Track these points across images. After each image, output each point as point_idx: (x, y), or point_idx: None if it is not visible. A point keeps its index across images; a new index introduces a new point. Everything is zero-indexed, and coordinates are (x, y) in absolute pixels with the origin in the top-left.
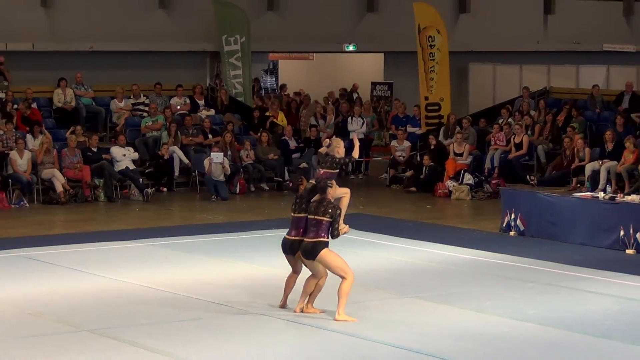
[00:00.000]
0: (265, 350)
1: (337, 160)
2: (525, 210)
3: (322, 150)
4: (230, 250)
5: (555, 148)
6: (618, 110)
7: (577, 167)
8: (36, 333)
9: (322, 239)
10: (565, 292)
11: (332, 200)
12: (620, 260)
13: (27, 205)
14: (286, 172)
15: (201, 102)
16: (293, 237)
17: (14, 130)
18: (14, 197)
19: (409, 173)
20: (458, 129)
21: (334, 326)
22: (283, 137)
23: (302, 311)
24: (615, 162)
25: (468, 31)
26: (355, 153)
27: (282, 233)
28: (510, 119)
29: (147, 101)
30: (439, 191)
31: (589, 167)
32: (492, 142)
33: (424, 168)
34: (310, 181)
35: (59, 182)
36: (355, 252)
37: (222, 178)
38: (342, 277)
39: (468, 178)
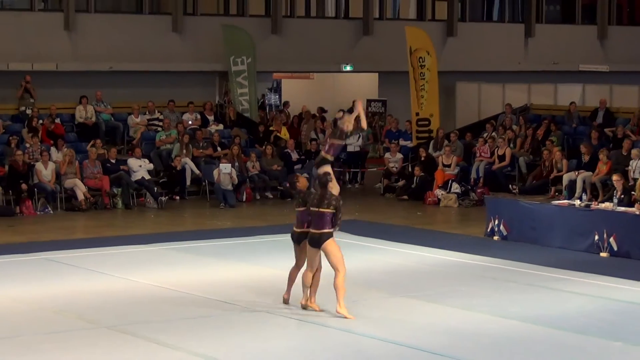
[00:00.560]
0: (269, 344)
1: (346, 132)
2: (508, 216)
3: (338, 115)
4: (237, 253)
5: (535, 160)
6: (593, 125)
7: (555, 177)
8: (58, 329)
9: (326, 230)
10: (545, 291)
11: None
12: (595, 263)
13: (51, 212)
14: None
15: (211, 118)
16: (300, 230)
17: (39, 143)
18: (39, 205)
19: (401, 183)
20: (446, 142)
21: (333, 323)
22: (286, 150)
23: (305, 304)
24: (591, 173)
25: (455, 53)
26: (363, 123)
27: (285, 237)
28: (494, 133)
29: (161, 117)
30: (429, 199)
31: (566, 177)
32: (478, 154)
33: (415, 178)
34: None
35: (81, 190)
36: (351, 255)
37: (230, 187)
38: (336, 270)
39: (455, 187)
